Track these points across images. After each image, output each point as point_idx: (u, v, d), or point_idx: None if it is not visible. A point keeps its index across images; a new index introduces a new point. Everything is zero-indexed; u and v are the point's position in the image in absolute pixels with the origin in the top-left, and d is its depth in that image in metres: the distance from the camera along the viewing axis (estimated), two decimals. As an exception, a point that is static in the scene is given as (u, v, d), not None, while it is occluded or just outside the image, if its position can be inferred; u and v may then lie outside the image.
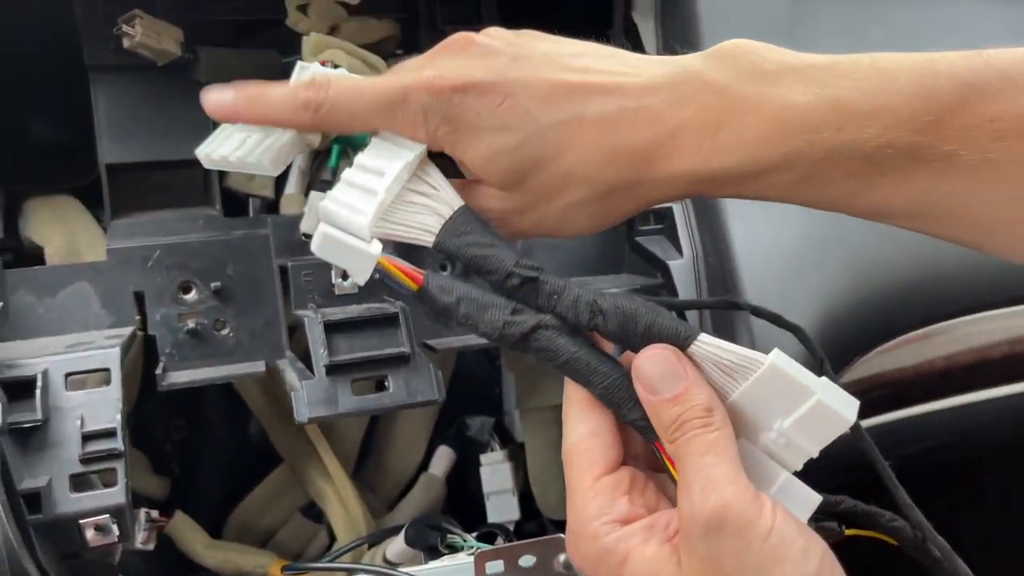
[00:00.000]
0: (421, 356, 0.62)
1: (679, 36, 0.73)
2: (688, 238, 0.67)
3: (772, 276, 0.64)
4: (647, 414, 0.39)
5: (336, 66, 0.60)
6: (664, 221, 0.71)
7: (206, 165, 0.57)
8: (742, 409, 0.39)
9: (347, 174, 0.46)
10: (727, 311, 0.65)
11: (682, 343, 0.40)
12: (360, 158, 0.47)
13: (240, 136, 0.57)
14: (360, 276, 0.44)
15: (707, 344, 0.40)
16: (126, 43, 0.62)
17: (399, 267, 0.43)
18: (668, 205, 0.71)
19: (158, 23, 0.63)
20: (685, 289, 0.65)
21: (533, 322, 0.42)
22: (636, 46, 0.76)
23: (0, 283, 0.54)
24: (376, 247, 0.43)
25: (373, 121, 0.47)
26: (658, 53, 0.75)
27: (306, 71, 0.57)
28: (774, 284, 0.64)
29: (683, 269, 0.66)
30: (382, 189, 0.44)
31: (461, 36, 0.46)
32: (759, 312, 0.54)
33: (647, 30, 0.75)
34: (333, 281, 0.66)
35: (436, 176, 0.46)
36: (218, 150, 0.56)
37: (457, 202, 0.45)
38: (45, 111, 0.74)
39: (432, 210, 0.45)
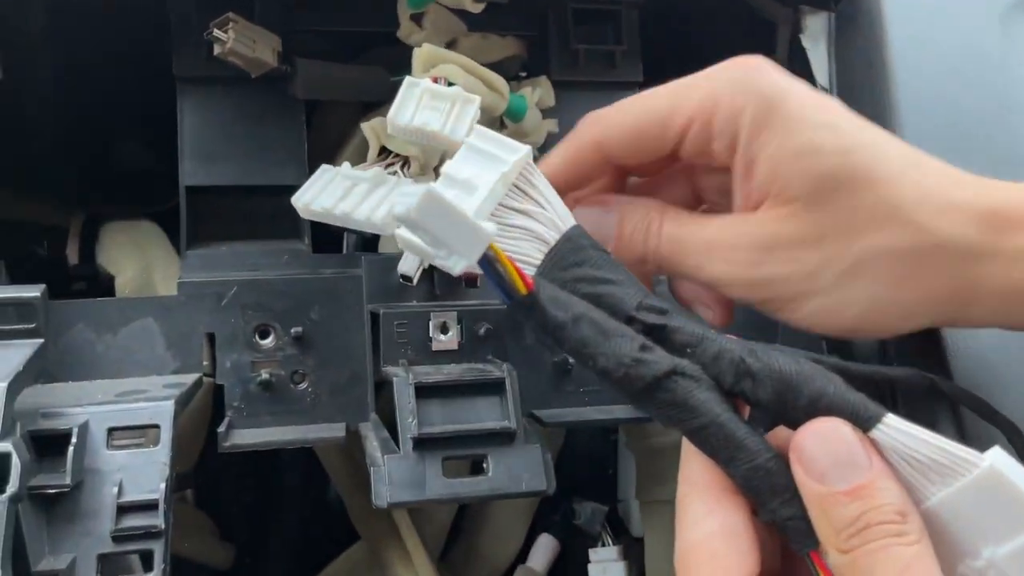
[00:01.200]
0: (528, 434, 0.51)
1: (860, 64, 0.61)
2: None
3: (985, 349, 0.50)
4: (807, 511, 0.31)
5: (450, 84, 0.51)
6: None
7: (304, 215, 0.49)
8: (939, 523, 0.30)
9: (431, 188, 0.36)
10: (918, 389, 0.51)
11: (863, 423, 0.31)
12: (448, 168, 0.38)
13: (344, 184, 0.49)
14: (461, 260, 0.34)
15: (897, 429, 0.31)
16: (217, 50, 0.54)
17: (512, 261, 0.33)
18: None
19: (254, 29, 0.56)
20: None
21: (669, 365, 0.32)
22: (803, 73, 0.64)
23: (44, 315, 0.46)
24: (491, 227, 0.34)
25: None
26: (830, 82, 0.63)
27: (415, 88, 0.49)
28: (987, 360, 0.49)
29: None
30: (470, 210, 0.35)
31: None
32: (958, 396, 0.42)
33: (818, 56, 0.63)
34: (430, 335, 0.56)
35: (543, 187, 0.37)
36: (319, 199, 0.49)
37: (567, 221, 0.36)
38: (130, 129, 0.68)
39: (534, 235, 0.36)
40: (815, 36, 0.64)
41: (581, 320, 0.33)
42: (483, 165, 0.37)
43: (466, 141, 0.38)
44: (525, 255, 0.37)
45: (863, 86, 0.60)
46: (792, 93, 0.37)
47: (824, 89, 0.63)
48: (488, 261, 0.32)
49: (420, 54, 0.53)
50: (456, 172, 0.37)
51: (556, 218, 0.36)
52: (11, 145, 0.53)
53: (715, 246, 0.39)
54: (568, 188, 0.41)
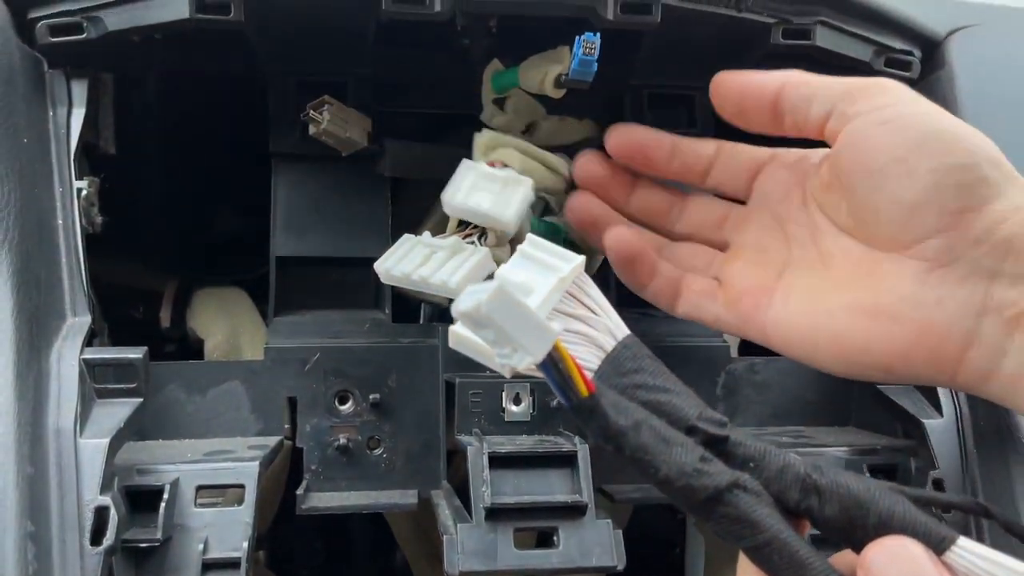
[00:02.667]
0: (599, 508, 0.51)
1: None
2: (951, 392, 0.53)
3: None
4: None
5: (506, 166, 0.53)
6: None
7: (385, 280, 0.52)
8: None
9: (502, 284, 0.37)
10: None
11: (935, 545, 0.30)
12: (503, 271, 0.39)
13: (424, 251, 0.51)
14: (526, 357, 0.33)
15: (972, 552, 0.30)
16: (312, 130, 0.58)
17: (576, 361, 0.33)
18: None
19: (347, 111, 0.59)
20: (945, 458, 0.51)
21: (731, 478, 0.32)
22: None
23: (144, 376, 0.49)
24: (557, 325, 0.34)
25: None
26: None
27: (471, 171, 0.51)
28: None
29: (942, 432, 0.52)
30: (530, 312, 0.35)
31: None
32: (1011, 526, 0.38)
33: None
34: (503, 405, 0.57)
35: (595, 295, 0.37)
36: (399, 266, 0.51)
37: (621, 330, 0.37)
38: (225, 201, 0.72)
39: (590, 339, 0.37)
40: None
41: (642, 427, 0.33)
42: (538, 271, 0.38)
43: (520, 248, 0.38)
44: (583, 359, 0.37)
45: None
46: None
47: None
48: (552, 360, 0.32)
49: (480, 139, 0.56)
50: (511, 276, 0.38)
51: (611, 325, 0.37)
52: (119, 213, 0.57)
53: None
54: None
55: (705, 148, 0.49)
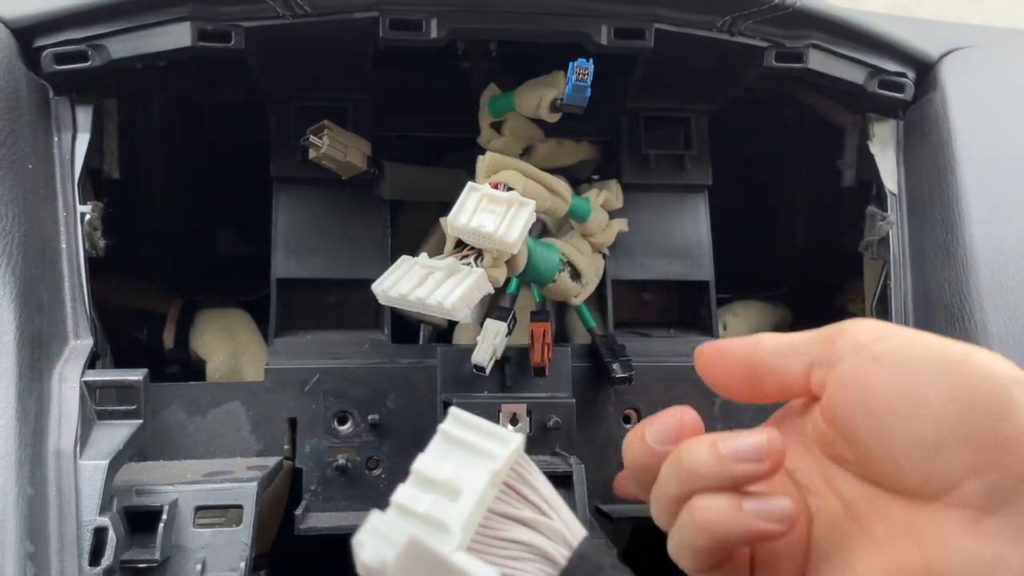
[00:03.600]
0: (594, 527, 0.51)
1: (928, 171, 0.62)
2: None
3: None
4: None
5: (509, 188, 0.54)
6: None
7: (382, 301, 0.52)
8: None
9: (400, 496, 0.30)
10: None
11: None
12: (421, 464, 0.30)
13: (421, 272, 0.51)
14: None
15: None
16: (312, 154, 0.59)
17: None
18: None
19: (346, 135, 0.60)
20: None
21: None
22: (871, 179, 0.65)
23: (144, 398, 0.49)
24: (493, 573, 0.27)
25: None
26: (899, 186, 0.64)
27: (475, 192, 0.52)
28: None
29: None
30: (457, 524, 0.28)
31: None
32: None
33: (886, 162, 0.64)
34: (500, 425, 0.57)
35: (542, 486, 0.30)
36: (396, 287, 0.51)
37: (576, 534, 0.29)
38: (227, 224, 0.73)
39: (538, 552, 0.29)
40: (883, 143, 0.65)
41: None
42: (466, 461, 0.30)
43: (441, 428, 0.31)
44: None
45: (932, 192, 0.61)
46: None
47: (893, 195, 0.63)
48: None
49: (483, 161, 0.57)
50: (433, 471, 0.30)
51: (563, 528, 0.29)
52: (123, 237, 0.58)
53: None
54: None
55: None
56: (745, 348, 0.38)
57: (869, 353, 0.34)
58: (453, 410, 0.31)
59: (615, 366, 0.60)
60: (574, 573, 0.28)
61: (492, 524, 0.29)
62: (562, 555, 0.29)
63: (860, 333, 0.35)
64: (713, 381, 0.40)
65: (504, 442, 0.29)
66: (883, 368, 0.33)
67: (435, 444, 0.31)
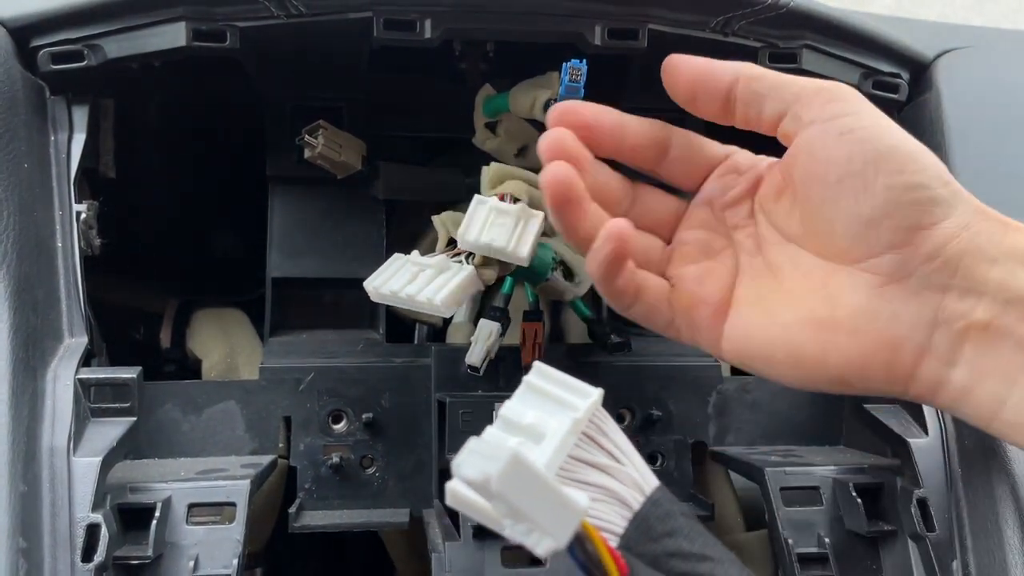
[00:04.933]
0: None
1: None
2: (936, 412, 0.54)
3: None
4: None
5: (516, 200, 0.54)
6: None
7: (374, 298, 0.52)
8: None
9: (490, 435, 0.32)
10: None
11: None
12: (507, 409, 0.32)
13: (412, 270, 0.52)
14: (546, 540, 0.27)
15: None
16: (307, 154, 0.59)
17: (605, 541, 0.28)
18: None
19: (341, 135, 0.61)
20: (930, 478, 0.51)
21: None
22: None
23: (138, 396, 0.50)
24: (583, 499, 0.28)
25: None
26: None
27: (483, 205, 0.52)
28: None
29: (928, 452, 0.52)
30: (542, 462, 0.30)
31: None
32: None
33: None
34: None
35: (617, 436, 0.32)
36: (387, 284, 0.51)
37: (649, 482, 0.31)
38: (223, 223, 0.73)
39: (613, 495, 0.31)
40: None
41: None
42: (548, 409, 0.32)
43: (526, 380, 0.33)
44: (606, 521, 0.31)
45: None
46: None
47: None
48: (578, 543, 0.27)
49: (488, 172, 0.57)
50: (517, 416, 0.32)
51: (637, 475, 0.31)
52: (119, 236, 0.58)
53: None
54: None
55: (656, 131, 0.46)
56: (726, 77, 0.43)
57: (837, 127, 0.39)
58: (538, 364, 0.34)
59: (612, 335, 0.60)
60: (647, 517, 0.30)
61: (571, 468, 0.31)
62: (636, 500, 0.30)
63: (834, 101, 0.40)
64: (683, 96, 0.45)
65: (585, 395, 0.32)
66: (845, 145, 0.39)
67: (520, 393, 0.33)
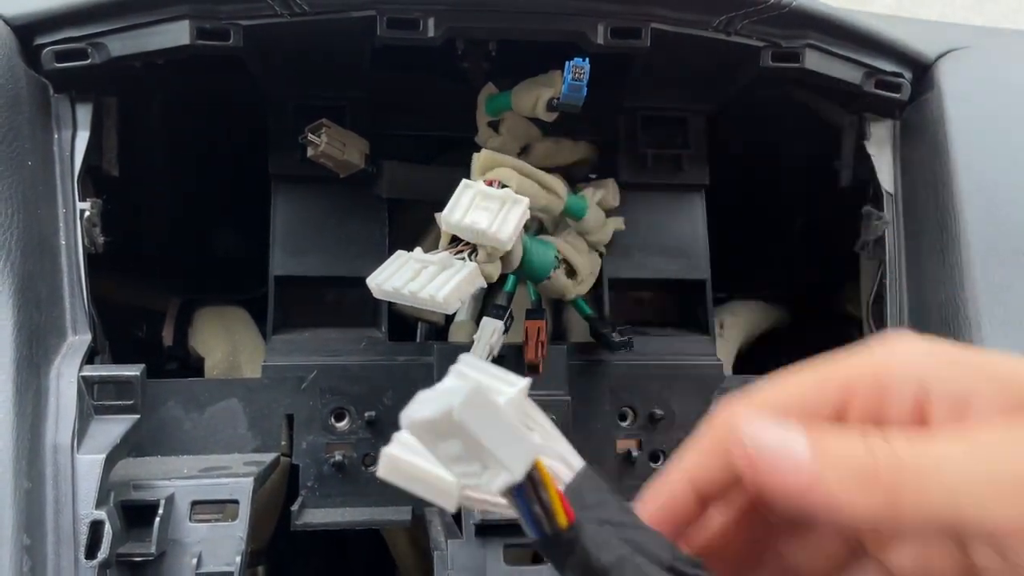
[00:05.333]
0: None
1: (924, 170, 0.62)
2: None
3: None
4: None
5: (504, 186, 0.54)
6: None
7: (376, 295, 0.52)
8: None
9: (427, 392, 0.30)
10: None
11: None
12: (438, 386, 0.31)
13: (415, 267, 0.52)
14: (500, 475, 0.27)
15: None
16: (310, 152, 0.59)
17: (556, 484, 0.28)
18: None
19: (345, 133, 0.61)
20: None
21: None
22: (868, 179, 0.65)
23: (141, 393, 0.50)
24: (536, 437, 0.29)
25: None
26: (895, 186, 0.64)
27: (469, 189, 0.52)
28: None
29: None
30: (508, 420, 0.30)
31: None
32: None
33: (883, 161, 0.65)
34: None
35: (542, 420, 0.32)
36: (390, 280, 0.51)
37: (576, 459, 0.31)
38: (226, 222, 0.73)
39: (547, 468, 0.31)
40: (880, 143, 0.65)
41: (626, 565, 0.28)
42: None
43: (453, 369, 0.32)
44: None
45: (928, 192, 0.61)
46: (953, 347, 0.30)
47: (889, 195, 0.63)
48: (530, 481, 0.27)
49: (478, 159, 0.57)
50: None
51: (564, 452, 0.31)
52: (122, 234, 0.58)
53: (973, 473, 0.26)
54: (706, 492, 0.31)
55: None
56: None
57: None
58: (464, 356, 0.32)
59: (613, 334, 0.60)
60: (579, 488, 0.30)
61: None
62: (565, 473, 0.30)
63: None
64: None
65: (512, 383, 0.31)
66: None
67: (448, 379, 0.31)
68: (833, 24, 0.60)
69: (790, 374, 0.31)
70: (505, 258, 0.54)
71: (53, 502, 0.44)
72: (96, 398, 0.50)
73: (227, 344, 0.66)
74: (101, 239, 0.56)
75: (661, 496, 0.32)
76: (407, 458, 0.29)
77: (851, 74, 0.63)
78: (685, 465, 0.31)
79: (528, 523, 0.27)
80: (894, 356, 0.30)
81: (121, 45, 0.55)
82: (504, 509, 0.28)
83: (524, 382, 0.31)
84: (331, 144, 0.59)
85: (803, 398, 0.30)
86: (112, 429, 0.49)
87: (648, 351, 0.64)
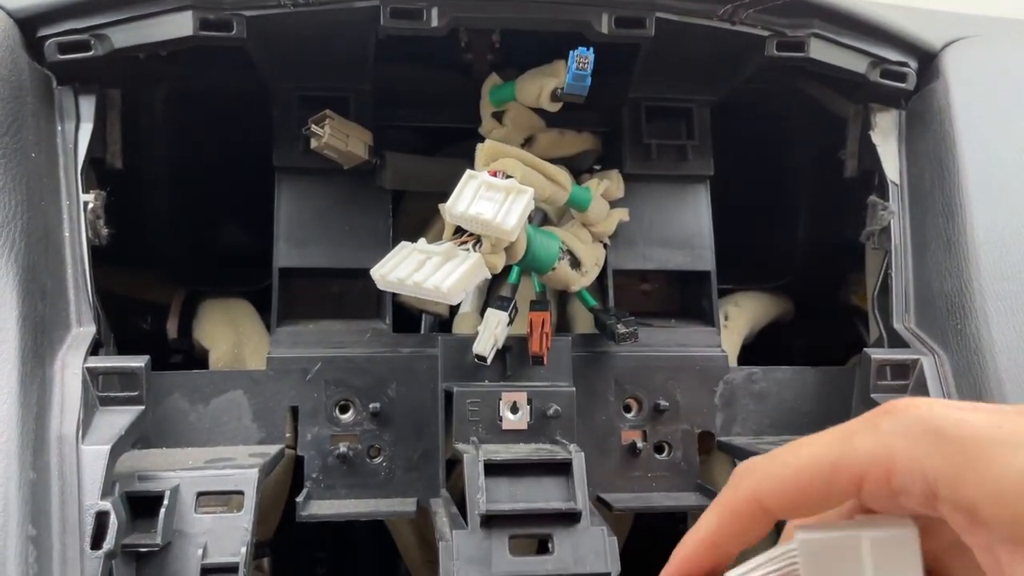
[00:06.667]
0: (594, 515, 0.51)
1: (930, 160, 0.62)
2: (942, 396, 0.54)
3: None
4: None
5: (508, 176, 0.54)
6: (909, 377, 0.58)
7: (380, 286, 0.52)
8: None
9: None
10: None
11: None
12: None
13: (419, 257, 0.52)
14: None
15: None
16: (313, 143, 0.59)
17: None
18: (915, 357, 0.58)
19: (348, 125, 0.60)
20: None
21: None
22: (874, 169, 0.65)
23: (145, 385, 0.50)
24: None
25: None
26: (901, 176, 0.63)
27: (474, 180, 0.52)
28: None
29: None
30: None
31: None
32: None
33: (888, 152, 0.64)
34: (501, 413, 0.57)
35: None
36: (394, 271, 0.51)
37: None
38: (230, 214, 0.73)
39: None
40: (885, 133, 0.65)
41: None
42: None
43: None
44: None
45: (933, 182, 0.61)
46: (971, 422, 0.29)
47: (895, 184, 0.63)
48: None
49: (483, 149, 0.57)
50: None
51: None
52: (126, 226, 0.58)
53: None
54: (725, 546, 0.32)
55: None
56: None
57: None
58: None
59: (618, 325, 0.60)
60: None
61: None
62: None
63: None
64: None
65: None
66: None
67: None
68: (838, 13, 0.60)
69: (803, 446, 0.31)
70: (509, 249, 0.54)
71: (58, 493, 0.44)
72: (101, 389, 0.50)
73: (232, 336, 0.66)
74: (105, 231, 0.56)
75: (683, 565, 0.32)
76: None
77: (856, 63, 0.62)
78: (702, 534, 0.32)
79: None
80: (901, 448, 0.29)
81: (124, 36, 0.55)
82: None
83: None
84: (335, 135, 0.59)
85: (817, 483, 0.30)
86: (117, 420, 0.49)
87: (653, 342, 0.64)
